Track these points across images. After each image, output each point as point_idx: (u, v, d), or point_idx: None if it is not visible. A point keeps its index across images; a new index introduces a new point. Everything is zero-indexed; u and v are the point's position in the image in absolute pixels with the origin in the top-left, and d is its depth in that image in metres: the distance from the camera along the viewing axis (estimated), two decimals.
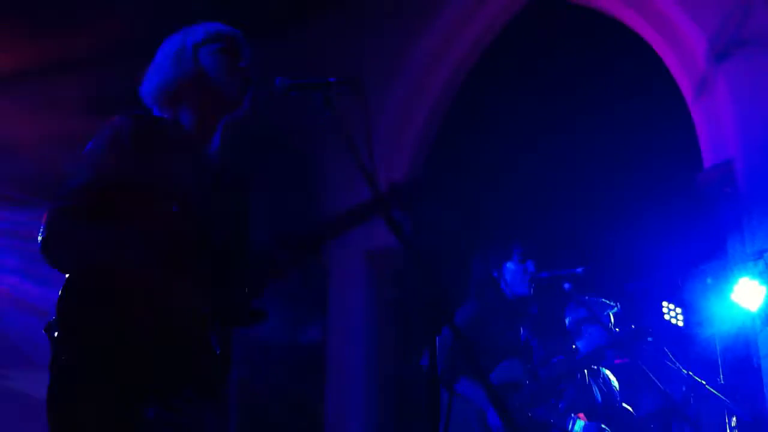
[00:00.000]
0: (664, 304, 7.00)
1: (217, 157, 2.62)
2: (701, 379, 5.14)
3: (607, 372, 5.36)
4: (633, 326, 4.93)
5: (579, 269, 4.35)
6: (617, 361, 5.56)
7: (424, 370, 4.34)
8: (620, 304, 5.31)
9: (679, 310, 6.96)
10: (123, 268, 2.25)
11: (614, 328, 5.23)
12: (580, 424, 4.64)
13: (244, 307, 2.50)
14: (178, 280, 2.29)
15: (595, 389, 5.19)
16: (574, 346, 5.31)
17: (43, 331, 2.29)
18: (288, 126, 8.25)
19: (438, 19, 8.25)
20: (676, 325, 6.92)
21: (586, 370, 5.16)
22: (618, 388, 5.33)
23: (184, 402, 2.33)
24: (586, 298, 5.14)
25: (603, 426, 4.78)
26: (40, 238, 2.28)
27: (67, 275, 2.31)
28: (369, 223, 2.55)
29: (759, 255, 5.80)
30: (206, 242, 2.41)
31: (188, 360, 2.33)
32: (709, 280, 6.27)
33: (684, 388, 5.20)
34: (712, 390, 5.13)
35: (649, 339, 5.01)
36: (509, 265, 4.51)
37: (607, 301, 5.28)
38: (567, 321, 5.46)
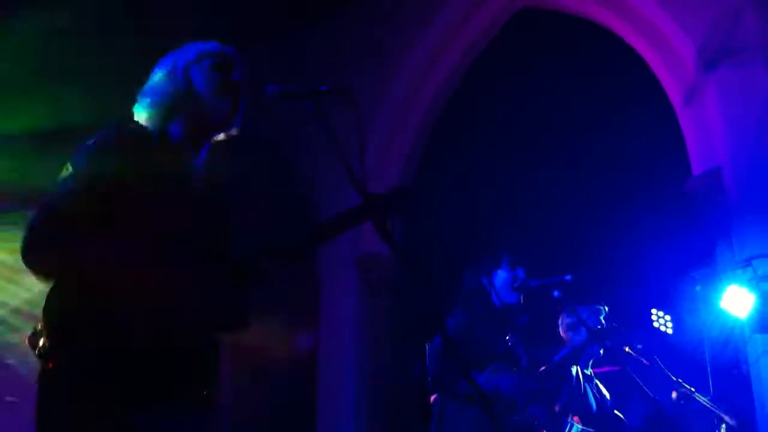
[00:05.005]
0: (653, 311, 7.03)
1: (202, 169, 2.64)
2: (690, 386, 5.15)
3: (596, 381, 5.38)
4: (615, 324, 4.95)
5: (568, 277, 4.36)
6: (607, 369, 5.57)
7: (416, 375, 4.36)
8: (609, 309, 5.32)
9: (668, 317, 6.99)
10: (106, 276, 2.26)
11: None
12: (576, 428, 4.65)
13: (227, 315, 2.50)
14: (162, 288, 2.30)
15: (590, 394, 5.21)
16: (554, 358, 5.31)
17: (27, 341, 2.30)
18: (278, 134, 8.27)
19: (429, 29, 8.28)
20: (665, 333, 6.95)
21: (580, 375, 5.17)
22: (609, 396, 5.35)
23: (173, 410, 2.33)
24: (578, 306, 5.14)
25: None
26: (22, 245, 2.29)
27: (52, 283, 2.32)
28: (359, 230, 2.56)
29: (748, 262, 5.82)
30: (189, 252, 2.42)
31: (176, 368, 2.33)
32: (698, 288, 6.30)
33: (673, 396, 5.22)
34: (701, 397, 5.14)
35: (639, 346, 5.03)
36: (499, 273, 4.51)
37: (599, 307, 5.29)
38: (560, 328, 5.47)
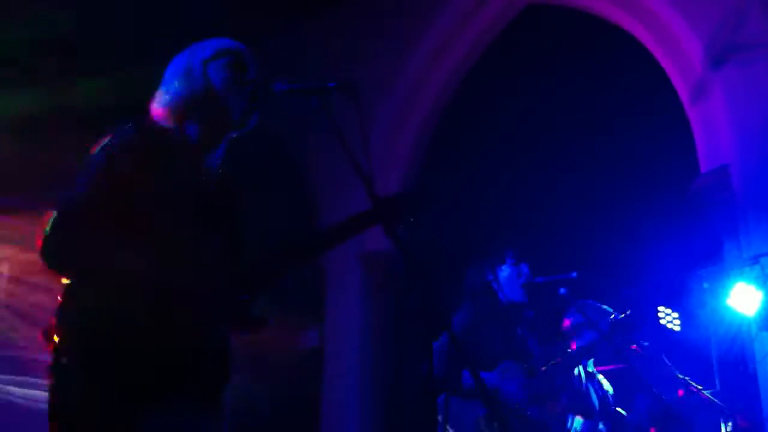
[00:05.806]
0: (661, 308, 7.01)
1: (217, 168, 2.63)
2: (697, 384, 5.14)
3: (600, 376, 5.37)
4: (618, 316, 4.92)
5: (574, 274, 4.36)
6: (614, 366, 5.56)
7: (423, 373, 4.37)
8: (617, 310, 5.31)
9: (675, 314, 6.97)
10: (122, 275, 2.27)
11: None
12: (578, 421, 4.65)
13: (243, 314, 2.49)
14: (178, 288, 2.30)
15: (592, 392, 5.20)
16: (569, 350, 5.31)
17: (41, 336, 2.30)
18: (284, 131, 8.26)
19: (434, 26, 8.28)
20: (672, 330, 6.93)
21: (582, 374, 5.16)
22: (612, 393, 5.34)
23: (183, 407, 2.34)
24: (588, 302, 5.13)
25: (601, 426, 4.78)
26: (42, 242, 2.29)
27: (67, 281, 2.32)
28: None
29: (755, 260, 5.81)
30: (203, 252, 2.41)
31: (188, 365, 2.34)
32: (705, 285, 6.28)
33: (679, 393, 5.20)
34: (707, 395, 5.13)
35: (645, 343, 5.01)
36: (503, 269, 4.52)
37: (608, 309, 5.28)
38: (564, 325, 5.45)
